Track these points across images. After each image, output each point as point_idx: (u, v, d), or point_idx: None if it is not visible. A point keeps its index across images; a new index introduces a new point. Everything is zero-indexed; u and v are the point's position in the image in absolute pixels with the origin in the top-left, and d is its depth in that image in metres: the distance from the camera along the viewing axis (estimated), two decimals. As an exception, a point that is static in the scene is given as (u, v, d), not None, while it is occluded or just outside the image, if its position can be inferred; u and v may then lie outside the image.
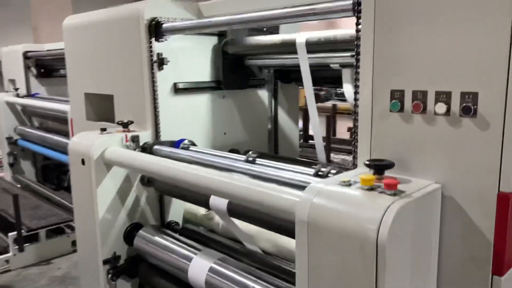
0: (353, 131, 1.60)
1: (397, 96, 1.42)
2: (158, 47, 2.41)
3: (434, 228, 1.36)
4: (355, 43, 1.54)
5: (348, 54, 2.13)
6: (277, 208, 1.47)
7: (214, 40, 2.67)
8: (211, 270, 1.93)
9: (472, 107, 1.26)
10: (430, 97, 1.34)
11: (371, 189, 1.30)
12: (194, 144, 2.49)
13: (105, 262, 2.36)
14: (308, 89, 2.26)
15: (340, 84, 2.35)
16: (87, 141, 2.34)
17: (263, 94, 2.98)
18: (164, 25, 2.36)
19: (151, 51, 2.39)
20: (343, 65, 2.26)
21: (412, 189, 1.29)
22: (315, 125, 2.33)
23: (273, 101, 3.00)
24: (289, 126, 3.14)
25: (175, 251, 2.14)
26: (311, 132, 6.61)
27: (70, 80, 3.15)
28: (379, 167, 1.37)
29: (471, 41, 1.25)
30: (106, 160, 2.28)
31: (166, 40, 2.42)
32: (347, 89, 2.28)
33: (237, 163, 1.97)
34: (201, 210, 2.54)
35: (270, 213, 1.58)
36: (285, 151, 3.12)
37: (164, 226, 2.54)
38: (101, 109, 3.06)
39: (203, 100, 2.67)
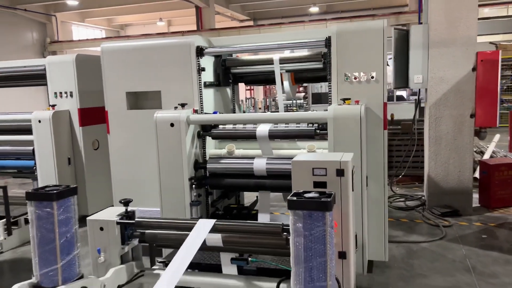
0: (328, 90, 4.16)
1: (347, 75, 4.06)
2: (200, 62, 4.44)
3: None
4: (327, 56, 4.11)
5: (296, 64, 4.69)
6: (316, 119, 3.92)
7: (212, 57, 4.81)
8: (268, 163, 4.17)
9: (374, 76, 4.00)
10: (360, 75, 4.03)
11: (349, 105, 3.89)
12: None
13: (190, 179, 4.21)
14: (278, 85, 4.68)
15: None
16: (173, 114, 4.17)
17: (227, 90, 5.22)
18: (205, 50, 4.43)
19: (198, 64, 4.41)
20: (287, 71, 4.80)
21: (361, 103, 3.92)
22: (280, 102, 4.78)
23: (233, 95, 5.28)
24: (237, 110, 5.45)
25: (241, 162, 4.27)
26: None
27: (108, 85, 4.71)
28: (347, 99, 3.96)
29: (369, 56, 3.99)
30: (190, 122, 4.18)
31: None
32: (286, 84, 4.83)
33: (272, 114, 4.25)
34: (223, 152, 4.61)
35: (309, 122, 4.00)
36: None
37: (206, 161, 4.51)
38: (134, 101, 4.76)
39: (211, 92, 4.77)
